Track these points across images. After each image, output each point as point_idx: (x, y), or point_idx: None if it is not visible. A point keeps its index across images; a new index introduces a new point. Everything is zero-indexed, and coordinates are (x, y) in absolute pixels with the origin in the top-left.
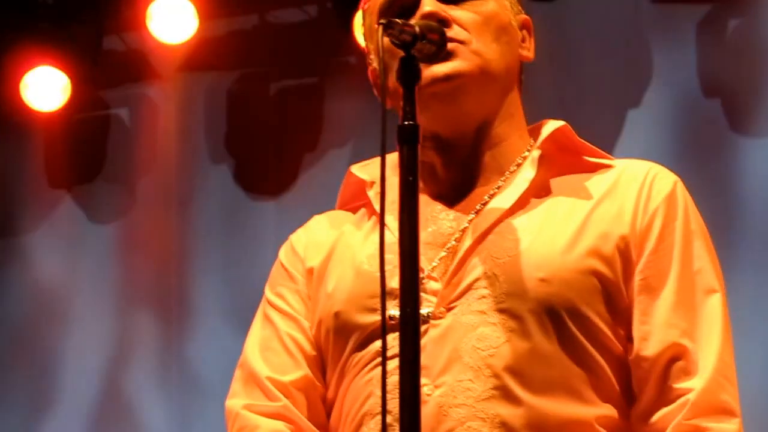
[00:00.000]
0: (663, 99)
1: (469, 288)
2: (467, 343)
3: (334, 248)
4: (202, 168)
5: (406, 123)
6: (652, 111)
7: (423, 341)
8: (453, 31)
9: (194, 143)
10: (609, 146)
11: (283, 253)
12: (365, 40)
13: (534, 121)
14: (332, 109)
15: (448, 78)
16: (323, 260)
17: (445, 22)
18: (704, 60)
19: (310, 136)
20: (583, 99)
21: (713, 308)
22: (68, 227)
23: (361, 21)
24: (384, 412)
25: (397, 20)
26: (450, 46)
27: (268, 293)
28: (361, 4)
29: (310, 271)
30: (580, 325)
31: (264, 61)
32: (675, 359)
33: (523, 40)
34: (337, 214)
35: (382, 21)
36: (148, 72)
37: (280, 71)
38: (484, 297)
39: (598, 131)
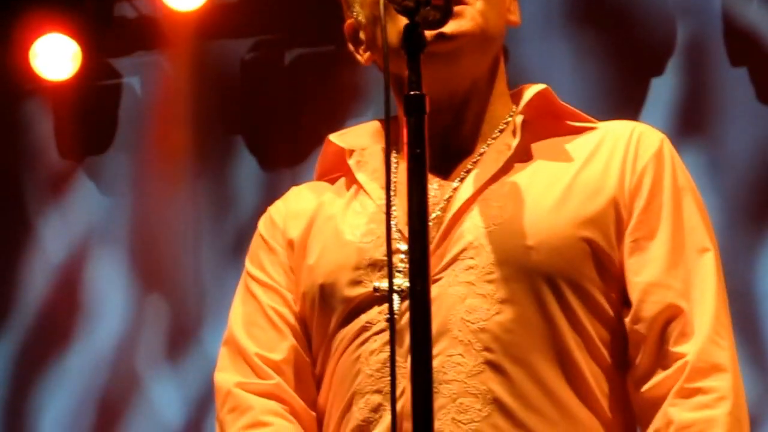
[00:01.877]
0: (687, 68)
1: (455, 259)
2: (456, 315)
3: (314, 219)
4: (215, 138)
5: (412, 93)
6: (676, 79)
7: (407, 317)
8: None
9: (207, 112)
10: (633, 115)
11: (262, 225)
12: None
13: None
14: (349, 78)
15: (452, 38)
16: (303, 231)
17: None
18: (731, 28)
19: (327, 105)
20: (606, 68)
21: (706, 267)
22: (79, 199)
23: None
24: (393, 392)
25: None
26: (456, 8)
27: (248, 266)
28: None
29: (290, 243)
30: (571, 293)
31: (279, 28)
32: (671, 321)
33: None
34: (316, 185)
35: None
36: (160, 40)
37: (295, 39)
38: (471, 267)
39: (621, 99)
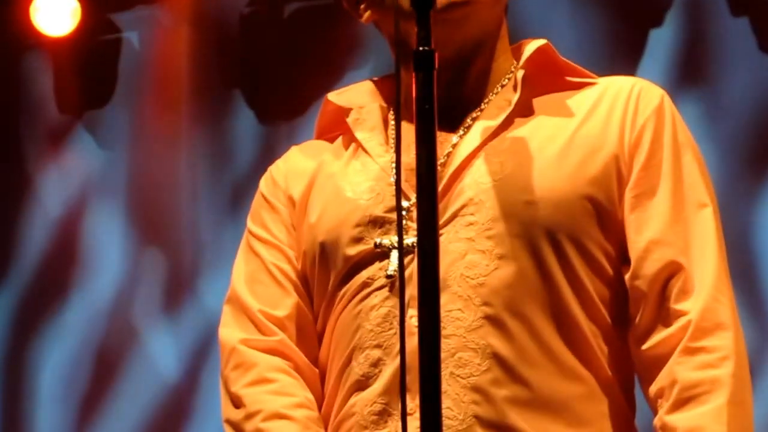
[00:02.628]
0: (686, 18)
1: (455, 215)
2: (455, 271)
3: (315, 177)
4: (213, 92)
5: (421, 48)
6: (675, 30)
7: (409, 270)
8: None
9: (205, 67)
10: (632, 66)
11: (264, 184)
12: None
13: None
14: (347, 31)
15: (464, 3)
16: (305, 189)
17: None
18: None
19: (325, 58)
20: (604, 19)
21: (706, 223)
22: (78, 154)
23: None
24: (403, 348)
25: None
26: None
27: (250, 225)
28: None
29: (291, 201)
30: (571, 249)
31: None
32: (671, 277)
33: None
34: (316, 144)
35: None
36: None
37: None
38: (471, 224)
39: (620, 51)
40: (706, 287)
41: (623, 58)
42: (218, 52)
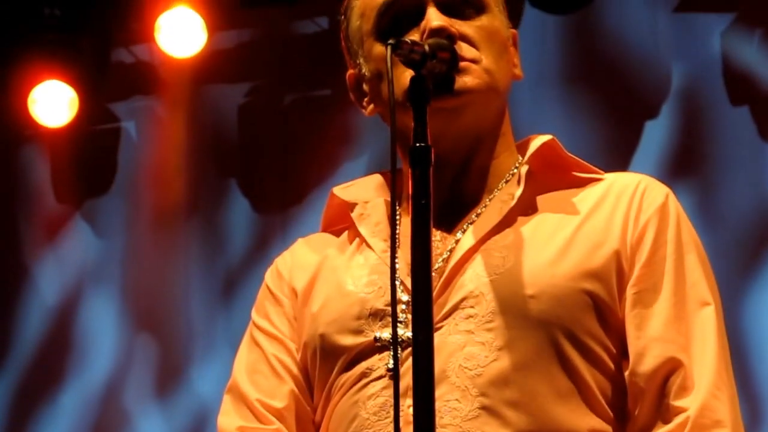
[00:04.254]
0: (682, 109)
1: (455, 308)
2: (454, 362)
3: (319, 270)
4: (209, 181)
5: (418, 144)
6: (671, 122)
7: (407, 363)
8: (462, 49)
9: (202, 156)
10: (626, 157)
11: (269, 277)
12: (347, 40)
13: (546, 132)
14: (344, 122)
15: (458, 93)
16: (308, 282)
17: (453, 39)
18: (730, 68)
19: (322, 149)
20: (601, 110)
21: (707, 321)
22: (75, 242)
23: (343, 16)
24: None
25: (406, 40)
26: (462, 64)
27: (254, 316)
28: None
29: (294, 293)
30: (571, 344)
31: (275, 73)
32: (671, 375)
33: (514, 59)
34: (322, 237)
35: (390, 42)
36: (157, 85)
37: (291, 84)
38: (471, 317)
39: (616, 142)
40: (705, 384)
41: (618, 150)
42: (214, 142)
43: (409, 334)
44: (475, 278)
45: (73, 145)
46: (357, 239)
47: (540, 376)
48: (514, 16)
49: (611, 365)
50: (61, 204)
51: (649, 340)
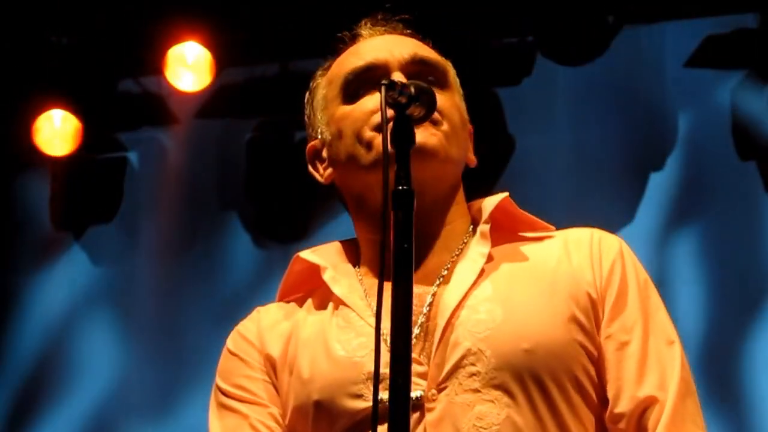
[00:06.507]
0: (689, 163)
1: (456, 367)
2: (468, 422)
3: (292, 336)
4: (210, 213)
5: (400, 188)
6: (676, 173)
7: (421, 426)
8: None
9: (205, 189)
10: (632, 208)
11: (234, 344)
12: (311, 112)
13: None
14: None
15: (421, 149)
16: (283, 349)
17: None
18: (739, 123)
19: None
20: (605, 160)
21: (675, 358)
22: (73, 271)
23: (308, 93)
24: None
25: (398, 81)
26: (423, 124)
27: (222, 385)
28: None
29: (269, 359)
30: (573, 389)
31: (283, 108)
32: (646, 412)
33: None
34: (282, 306)
35: (384, 81)
36: (163, 116)
37: (300, 119)
38: (474, 375)
39: (620, 193)
40: (679, 417)
41: (622, 200)
42: (218, 175)
43: (415, 394)
44: (468, 335)
45: (76, 175)
46: (331, 303)
47: (553, 425)
48: (526, 65)
49: (596, 408)
50: (59, 231)
51: (624, 382)
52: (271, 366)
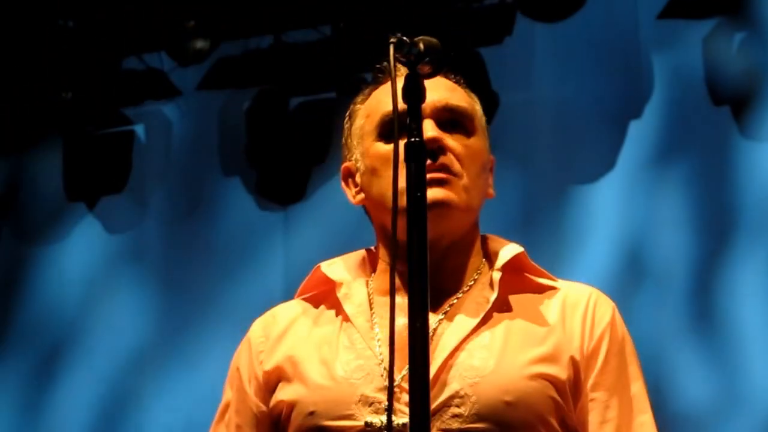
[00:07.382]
0: (666, 110)
1: (443, 405)
2: None
3: (296, 346)
4: (215, 181)
5: (413, 140)
6: (653, 121)
7: None
8: (448, 159)
9: (208, 157)
10: (613, 155)
11: (243, 355)
12: (349, 137)
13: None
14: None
15: (440, 204)
16: (285, 359)
17: (443, 149)
18: (711, 70)
19: (325, 149)
20: (585, 112)
21: (648, 427)
22: (88, 239)
23: (348, 117)
24: None
25: (405, 38)
26: (446, 176)
27: (228, 393)
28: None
29: (268, 372)
30: None
31: (278, 78)
32: None
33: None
34: (297, 305)
35: (392, 39)
36: (166, 90)
37: (295, 88)
38: (456, 415)
39: (601, 142)
40: None
41: (604, 148)
42: (221, 143)
43: (401, 421)
44: (460, 379)
45: (88, 147)
46: (340, 317)
47: None
48: (507, 25)
49: None
50: (72, 203)
51: None
52: (270, 378)
